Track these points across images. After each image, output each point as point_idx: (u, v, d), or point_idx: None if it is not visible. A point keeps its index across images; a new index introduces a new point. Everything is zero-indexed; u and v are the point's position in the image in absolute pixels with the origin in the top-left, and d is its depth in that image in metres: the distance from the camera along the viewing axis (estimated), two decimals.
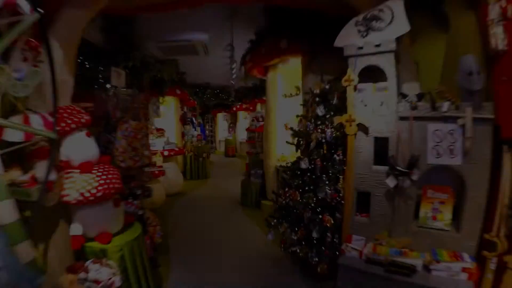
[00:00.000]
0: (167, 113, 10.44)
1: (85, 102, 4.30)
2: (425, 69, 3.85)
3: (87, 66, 6.10)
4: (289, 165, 4.02)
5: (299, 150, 4.01)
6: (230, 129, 18.43)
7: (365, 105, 3.12)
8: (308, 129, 3.64)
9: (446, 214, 3.10)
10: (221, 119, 19.54)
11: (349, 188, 3.24)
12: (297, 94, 5.90)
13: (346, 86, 3.15)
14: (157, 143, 7.71)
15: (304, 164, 3.45)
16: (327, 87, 3.63)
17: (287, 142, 4.24)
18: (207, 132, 19.50)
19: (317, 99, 3.65)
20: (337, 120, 3.22)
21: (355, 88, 3.16)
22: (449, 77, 3.75)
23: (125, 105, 3.80)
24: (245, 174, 7.22)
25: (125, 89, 4.09)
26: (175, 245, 5.04)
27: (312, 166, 3.47)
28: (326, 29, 4.33)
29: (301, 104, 4.26)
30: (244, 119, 17.22)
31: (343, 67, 4.46)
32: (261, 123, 11.35)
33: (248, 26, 5.82)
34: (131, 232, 3.38)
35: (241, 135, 16.96)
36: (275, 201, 4.07)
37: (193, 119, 13.04)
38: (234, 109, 16.63)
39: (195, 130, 12.59)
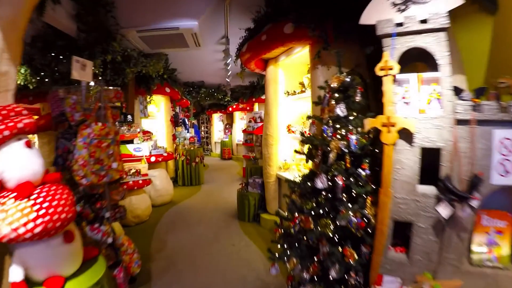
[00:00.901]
0: (157, 114, 9.64)
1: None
2: (467, 59, 3.11)
3: (64, 60, 5.35)
4: (298, 180, 3.20)
5: (310, 161, 3.19)
6: (226, 131, 17.59)
7: (407, 103, 2.32)
8: (324, 134, 2.82)
9: (504, 248, 2.36)
10: (217, 120, 18.71)
11: (384, 216, 2.43)
12: (302, 91, 5.09)
13: (382, 77, 2.33)
14: (142, 148, 6.87)
15: (320, 183, 2.62)
16: (347, 80, 2.82)
17: (296, 151, 3.44)
18: (202, 133, 18.70)
19: (336, 95, 2.83)
20: (369, 124, 2.40)
21: (393, 80, 2.34)
22: (498, 69, 3.02)
23: (89, 104, 2.97)
24: (242, 183, 6.40)
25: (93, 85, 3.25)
26: (158, 271, 4.22)
27: (331, 184, 2.65)
28: (340, 11, 3.58)
29: (314, 102, 3.45)
30: (240, 120, 16.44)
31: (360, 57, 3.74)
32: (259, 124, 10.57)
33: (245, 12, 5.01)
34: (93, 273, 2.57)
35: (238, 136, 16.15)
36: (279, 226, 3.25)
37: (186, 120, 12.23)
38: (230, 109, 15.81)
39: (188, 132, 11.77)
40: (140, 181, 6.08)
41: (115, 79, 6.48)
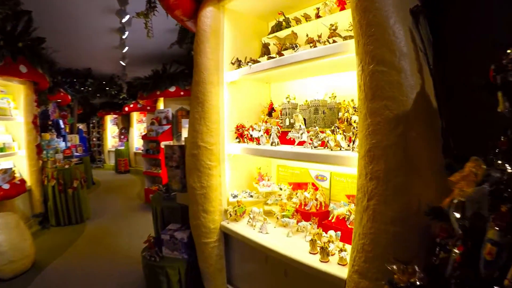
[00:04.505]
0: (14, 112, 5.87)
1: None
2: None
3: None
4: None
5: None
6: (122, 136, 13.79)
7: None
8: None
9: None
10: (111, 123, 14.79)
11: None
12: (273, 55, 2.33)
13: None
14: None
15: None
16: None
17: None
18: (94, 140, 14.65)
19: None
20: None
21: None
22: None
23: None
24: (150, 239, 3.32)
25: None
26: None
27: None
28: None
29: None
30: (139, 123, 12.93)
31: None
32: (166, 127, 7.53)
33: None
34: None
35: (136, 144, 12.66)
36: None
37: (60, 122, 8.44)
38: (127, 109, 12.24)
39: (64, 140, 8.08)
40: None
41: None
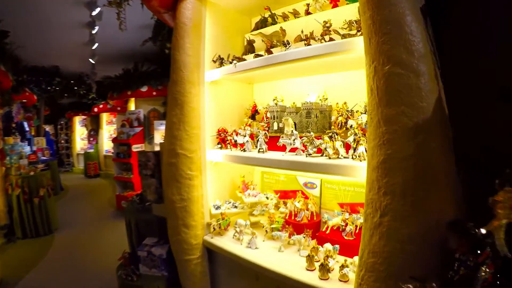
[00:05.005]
0: None
1: None
2: None
3: None
4: None
5: None
6: (91, 139, 13.21)
7: None
8: None
9: None
10: (79, 124, 14.15)
11: None
12: (260, 52, 2.14)
13: None
14: None
15: None
16: None
17: None
18: (61, 143, 13.95)
19: None
20: None
21: None
22: None
23: None
24: (125, 255, 3.04)
25: None
26: None
27: None
28: None
29: None
30: (108, 125, 12.41)
31: None
32: (138, 130, 7.21)
33: None
34: None
35: (106, 146, 12.14)
36: None
37: (24, 124, 7.93)
38: (96, 110, 11.71)
39: (30, 144, 7.59)
40: None
41: None
